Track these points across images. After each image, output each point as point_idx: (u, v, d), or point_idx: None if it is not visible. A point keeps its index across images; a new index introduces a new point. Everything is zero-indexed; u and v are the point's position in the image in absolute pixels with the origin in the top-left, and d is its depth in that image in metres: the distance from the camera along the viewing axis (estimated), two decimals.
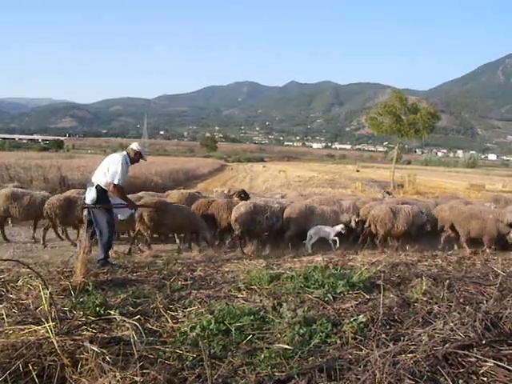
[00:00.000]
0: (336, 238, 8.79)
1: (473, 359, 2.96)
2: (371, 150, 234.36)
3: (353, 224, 9.14)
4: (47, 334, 3.09)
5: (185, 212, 8.67)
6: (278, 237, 9.08)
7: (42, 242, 8.96)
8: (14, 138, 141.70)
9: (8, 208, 9.37)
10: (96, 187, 6.53)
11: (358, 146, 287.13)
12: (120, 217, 7.18)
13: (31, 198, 9.54)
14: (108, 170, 6.59)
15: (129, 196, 7.39)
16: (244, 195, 10.81)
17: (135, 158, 6.92)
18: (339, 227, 8.80)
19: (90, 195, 6.54)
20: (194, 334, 3.47)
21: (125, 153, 6.86)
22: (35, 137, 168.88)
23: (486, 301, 4.48)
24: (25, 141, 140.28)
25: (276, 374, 2.81)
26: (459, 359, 2.97)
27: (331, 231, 8.78)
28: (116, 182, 6.50)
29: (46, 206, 8.95)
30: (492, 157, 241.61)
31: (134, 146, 6.97)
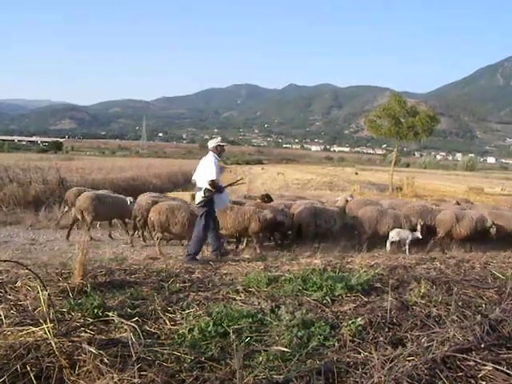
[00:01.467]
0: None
1: (472, 363, 2.96)
2: (370, 153, 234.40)
3: (418, 228, 9.72)
4: (45, 336, 3.08)
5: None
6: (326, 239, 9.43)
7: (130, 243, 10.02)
8: (13, 140, 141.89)
9: (95, 209, 10.29)
10: (203, 190, 7.49)
11: (356, 149, 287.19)
12: (217, 208, 7.93)
13: (112, 200, 10.65)
14: (204, 172, 7.59)
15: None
16: (267, 199, 10.89)
17: (220, 151, 7.84)
18: (418, 233, 9.56)
19: (199, 197, 7.58)
20: (192, 336, 3.47)
21: (211, 152, 7.73)
22: (34, 138, 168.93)
23: (485, 304, 4.49)
24: (24, 142, 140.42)
25: (274, 376, 2.80)
26: (458, 363, 2.97)
27: (409, 235, 9.49)
28: (213, 177, 7.41)
29: (135, 207, 10.09)
30: (491, 160, 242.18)
31: (213, 143, 7.83)
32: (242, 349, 3.16)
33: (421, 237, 9.54)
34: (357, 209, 10.75)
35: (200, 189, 7.58)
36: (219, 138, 7.99)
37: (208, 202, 7.52)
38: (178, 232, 9.04)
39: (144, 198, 10.31)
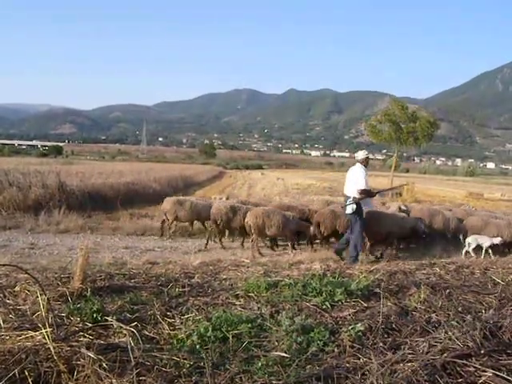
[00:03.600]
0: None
1: (471, 369, 2.95)
2: (370, 158, 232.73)
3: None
4: (44, 340, 3.07)
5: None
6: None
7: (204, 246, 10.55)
8: (13, 144, 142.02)
9: (175, 211, 11.59)
10: (353, 199, 8.28)
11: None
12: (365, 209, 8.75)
13: (192, 204, 11.75)
14: (354, 181, 8.45)
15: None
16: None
17: (366, 162, 8.85)
18: (498, 239, 9.76)
19: (350, 207, 8.31)
20: (191, 341, 3.46)
21: (359, 164, 8.67)
22: (34, 142, 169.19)
23: (485, 310, 4.48)
24: (24, 146, 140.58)
25: (273, 382, 2.79)
26: (458, 369, 2.96)
27: (487, 241, 9.73)
28: (363, 187, 8.32)
29: (213, 211, 10.62)
30: (491, 165, 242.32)
31: (361, 155, 8.81)
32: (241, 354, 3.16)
33: (500, 243, 9.79)
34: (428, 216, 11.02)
35: (348, 197, 8.40)
36: (366, 151, 8.95)
37: (358, 209, 8.31)
38: (272, 234, 9.90)
39: (222, 204, 11.05)
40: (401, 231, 9.67)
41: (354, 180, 8.49)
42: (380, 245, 9.92)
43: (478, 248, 9.71)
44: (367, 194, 8.51)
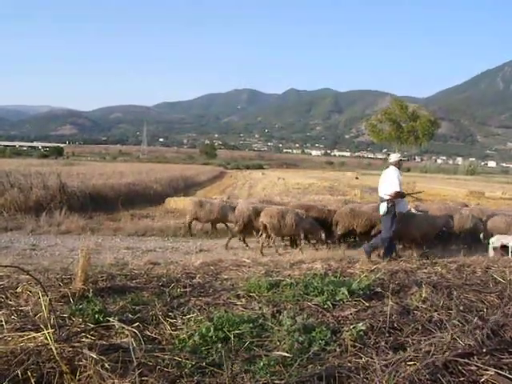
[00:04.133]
0: None
1: (473, 368, 2.95)
2: (370, 157, 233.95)
3: None
4: (46, 341, 3.07)
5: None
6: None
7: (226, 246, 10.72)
8: (14, 145, 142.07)
9: (196, 212, 12.17)
10: (386, 201, 8.56)
11: (357, 153, 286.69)
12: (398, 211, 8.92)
13: (211, 205, 12.26)
14: (388, 182, 8.74)
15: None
16: None
17: (400, 164, 9.12)
18: None
19: (383, 207, 8.61)
20: (193, 341, 3.46)
21: (392, 166, 8.96)
22: (35, 144, 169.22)
23: (487, 309, 4.48)
24: (25, 148, 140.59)
25: (275, 381, 2.80)
26: (459, 367, 2.96)
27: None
28: (398, 189, 8.61)
29: (236, 212, 10.96)
30: (492, 164, 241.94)
31: (394, 157, 9.16)
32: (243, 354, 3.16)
33: None
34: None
35: (382, 199, 8.70)
36: (399, 154, 9.35)
37: (392, 210, 8.58)
38: (287, 233, 10.24)
39: (245, 205, 11.19)
40: (434, 231, 9.85)
41: (389, 181, 8.77)
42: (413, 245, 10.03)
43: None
44: (400, 195, 8.79)
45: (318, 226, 10.35)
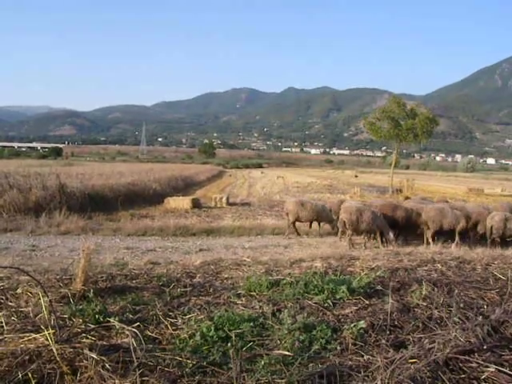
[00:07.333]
0: None
1: (474, 364, 2.95)
2: (369, 155, 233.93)
3: None
4: (46, 342, 3.07)
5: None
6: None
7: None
8: (13, 146, 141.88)
9: (297, 211, 12.78)
10: None
11: (356, 152, 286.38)
12: None
13: (311, 205, 12.97)
14: None
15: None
16: None
17: None
18: None
19: None
20: (194, 341, 3.46)
21: None
22: (34, 144, 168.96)
23: (487, 305, 4.47)
24: (24, 149, 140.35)
25: (276, 380, 2.79)
26: (460, 365, 2.96)
27: None
28: None
29: (341, 213, 11.03)
30: (491, 161, 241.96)
31: None
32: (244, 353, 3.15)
33: None
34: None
35: None
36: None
37: None
38: (364, 229, 10.75)
39: (351, 205, 11.39)
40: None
41: None
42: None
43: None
44: None
45: (388, 226, 10.93)
